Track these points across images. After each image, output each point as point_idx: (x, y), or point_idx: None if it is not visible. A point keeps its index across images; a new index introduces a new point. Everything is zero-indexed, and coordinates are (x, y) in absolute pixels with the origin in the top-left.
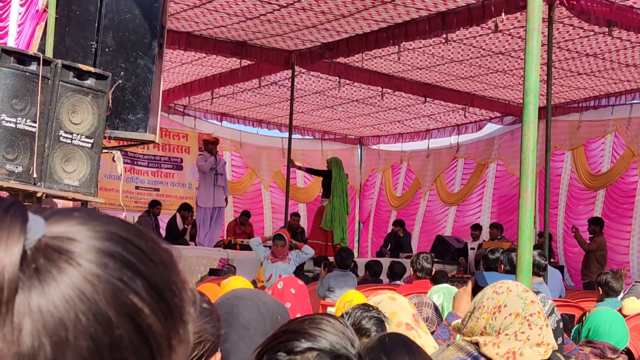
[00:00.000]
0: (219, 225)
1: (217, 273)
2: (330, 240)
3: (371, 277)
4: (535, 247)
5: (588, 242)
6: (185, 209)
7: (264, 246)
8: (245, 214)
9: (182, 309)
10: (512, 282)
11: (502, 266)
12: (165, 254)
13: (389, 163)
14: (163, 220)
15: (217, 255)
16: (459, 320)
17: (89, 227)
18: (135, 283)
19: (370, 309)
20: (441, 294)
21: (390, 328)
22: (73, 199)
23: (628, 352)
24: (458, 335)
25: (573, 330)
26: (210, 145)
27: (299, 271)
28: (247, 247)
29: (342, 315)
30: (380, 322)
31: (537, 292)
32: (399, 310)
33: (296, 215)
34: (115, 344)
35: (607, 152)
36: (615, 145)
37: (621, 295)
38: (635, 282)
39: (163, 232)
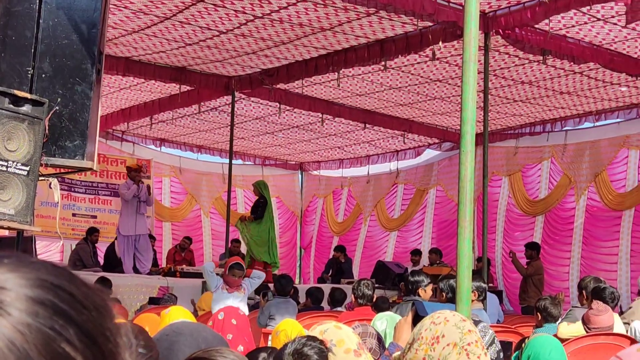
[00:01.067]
0: (149, 252)
1: (157, 302)
2: (268, 265)
3: (313, 304)
4: (474, 273)
5: (525, 267)
6: None
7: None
8: (187, 238)
9: (116, 355)
10: (449, 312)
11: (444, 294)
12: (99, 298)
13: (330, 189)
14: (101, 249)
15: (157, 283)
16: (399, 353)
17: (19, 274)
18: (67, 331)
19: (315, 339)
20: (384, 321)
21: (339, 354)
22: (9, 228)
23: None
24: None
25: (512, 358)
26: (133, 172)
27: None
28: (187, 275)
29: (285, 345)
30: (323, 352)
31: (478, 321)
32: (345, 338)
33: (237, 241)
34: None
35: (544, 179)
36: (552, 172)
37: (559, 320)
38: (573, 307)
39: (101, 260)
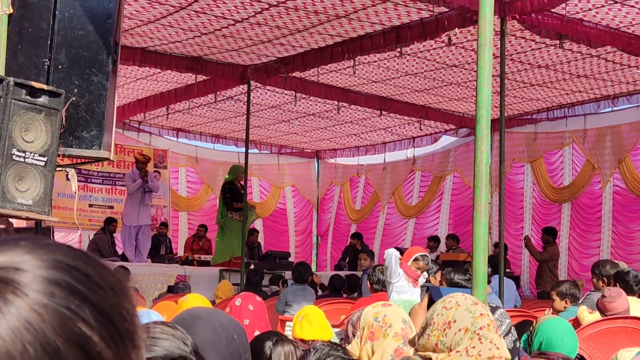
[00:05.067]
0: (148, 240)
1: (175, 290)
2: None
3: (332, 292)
4: (490, 258)
5: (541, 251)
6: None
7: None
8: (202, 226)
9: (133, 334)
10: (460, 296)
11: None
12: (116, 279)
13: (347, 176)
14: (119, 239)
15: (174, 272)
16: (413, 335)
17: (35, 256)
18: (83, 311)
19: (338, 348)
20: (403, 307)
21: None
22: (27, 218)
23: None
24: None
25: (522, 341)
26: (140, 164)
27: (257, 287)
28: (205, 263)
29: (309, 350)
30: None
31: (495, 307)
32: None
33: (254, 230)
34: None
35: (567, 165)
36: (575, 158)
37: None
38: (590, 291)
39: (120, 250)
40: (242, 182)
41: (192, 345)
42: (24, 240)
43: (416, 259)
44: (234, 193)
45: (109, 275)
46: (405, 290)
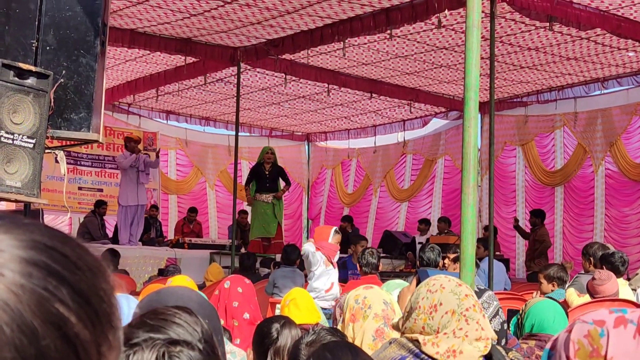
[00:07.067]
0: (142, 223)
1: (165, 273)
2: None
3: None
4: (480, 240)
5: (534, 237)
6: None
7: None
8: (192, 210)
9: (110, 315)
10: (444, 278)
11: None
12: (93, 259)
13: (338, 160)
14: (109, 222)
15: (165, 255)
16: (396, 320)
17: (12, 236)
18: (60, 291)
19: (337, 333)
20: (397, 291)
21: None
22: (16, 201)
23: None
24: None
25: (512, 323)
26: (132, 143)
27: (250, 271)
28: (195, 246)
29: (306, 332)
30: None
31: (484, 290)
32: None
33: (244, 212)
34: (41, 354)
35: (559, 148)
36: (566, 141)
37: (566, 285)
38: (579, 274)
39: (110, 233)
40: (267, 164)
41: (203, 333)
42: (1, 219)
43: (336, 232)
44: (253, 175)
45: (86, 256)
46: (324, 273)
